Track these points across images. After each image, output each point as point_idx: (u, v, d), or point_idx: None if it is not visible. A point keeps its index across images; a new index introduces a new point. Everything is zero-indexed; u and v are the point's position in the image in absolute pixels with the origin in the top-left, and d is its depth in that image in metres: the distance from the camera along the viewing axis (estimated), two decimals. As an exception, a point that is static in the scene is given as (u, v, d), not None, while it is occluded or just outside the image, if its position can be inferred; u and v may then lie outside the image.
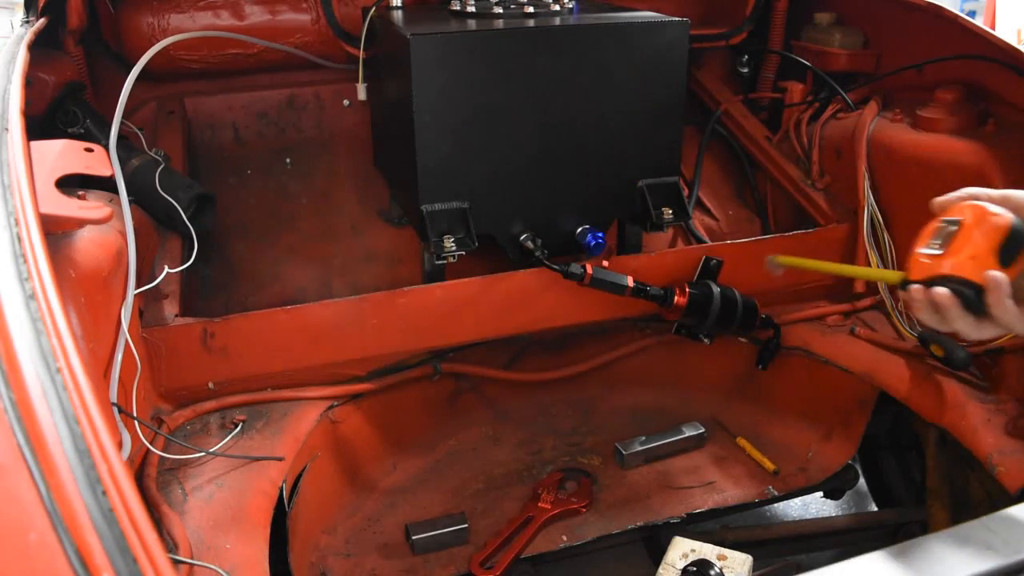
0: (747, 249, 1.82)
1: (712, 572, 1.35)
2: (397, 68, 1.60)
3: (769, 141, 2.16)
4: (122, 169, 1.47)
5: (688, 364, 1.97)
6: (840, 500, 2.08)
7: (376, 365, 1.67)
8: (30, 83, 1.50)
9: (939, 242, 0.92)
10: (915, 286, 0.92)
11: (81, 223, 1.15)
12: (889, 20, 2.04)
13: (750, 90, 2.34)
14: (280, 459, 1.40)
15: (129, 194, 1.42)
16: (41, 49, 1.62)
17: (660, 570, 1.39)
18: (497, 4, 1.75)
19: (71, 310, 1.08)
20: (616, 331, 1.94)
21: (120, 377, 1.25)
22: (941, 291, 0.89)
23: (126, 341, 1.29)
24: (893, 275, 1.01)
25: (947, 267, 0.90)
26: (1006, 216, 0.88)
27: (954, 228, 0.91)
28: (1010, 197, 0.91)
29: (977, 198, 0.93)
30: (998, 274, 0.86)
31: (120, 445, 1.20)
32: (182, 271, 1.59)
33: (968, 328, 0.90)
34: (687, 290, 1.71)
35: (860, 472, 1.95)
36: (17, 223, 0.86)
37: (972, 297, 0.88)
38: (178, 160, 1.83)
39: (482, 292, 1.66)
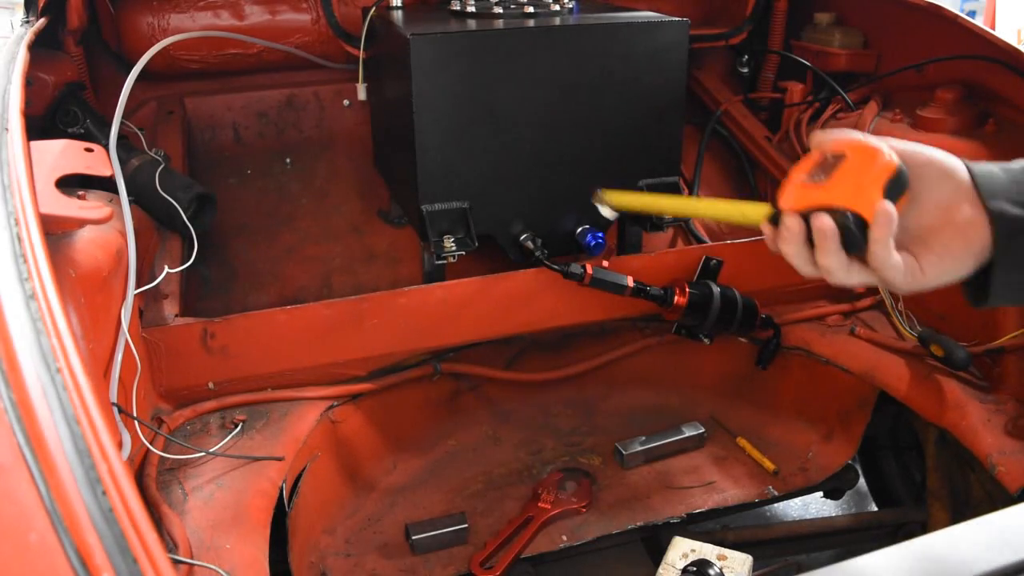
0: (747, 249, 1.82)
1: (712, 572, 1.35)
2: (397, 68, 1.60)
3: (769, 141, 2.16)
4: (122, 169, 1.47)
5: (688, 364, 1.97)
6: (840, 500, 2.08)
7: (376, 365, 1.67)
8: (30, 83, 1.50)
9: (820, 174, 0.84)
10: (791, 216, 0.84)
11: (81, 223, 1.15)
12: (889, 20, 2.04)
13: (750, 90, 2.34)
14: (280, 459, 1.40)
15: (129, 194, 1.42)
16: (41, 49, 1.62)
17: (660, 570, 1.39)
18: (497, 4, 1.75)
19: (71, 310, 1.08)
20: (616, 331, 1.94)
21: (120, 377, 1.25)
22: (824, 219, 0.81)
23: (126, 341, 1.29)
24: (758, 209, 0.90)
25: (831, 197, 0.82)
26: (894, 157, 0.83)
27: (838, 162, 0.84)
28: (892, 143, 0.86)
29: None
30: (889, 206, 0.80)
31: (120, 445, 1.20)
32: (182, 271, 1.59)
33: (838, 267, 0.83)
34: (687, 290, 1.71)
35: (860, 472, 1.95)
36: (17, 223, 0.86)
37: (855, 231, 0.81)
38: (178, 160, 1.84)
39: (482, 292, 1.66)
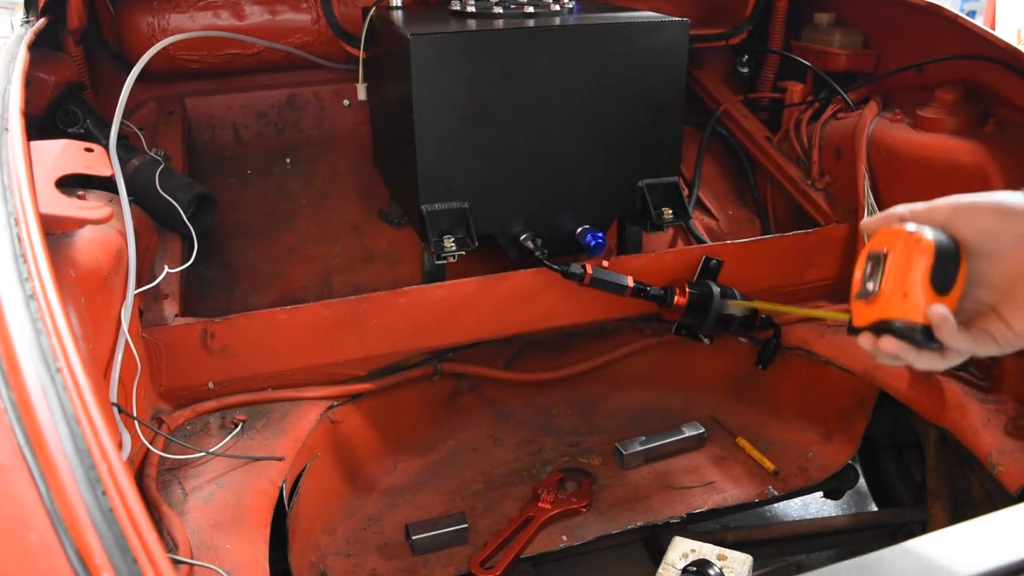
0: (747, 249, 1.82)
1: (712, 572, 1.35)
2: (397, 68, 1.60)
3: (769, 141, 2.16)
4: (122, 169, 1.47)
5: (688, 364, 1.97)
6: (840, 500, 2.08)
7: (376, 365, 1.67)
8: (30, 83, 1.50)
9: (872, 280, 0.84)
10: (864, 334, 0.85)
11: (81, 223, 1.15)
12: (889, 20, 2.04)
13: (750, 90, 2.34)
14: (280, 459, 1.40)
15: (129, 194, 1.42)
16: (41, 49, 1.62)
17: (660, 570, 1.39)
18: (497, 4, 1.75)
19: (71, 310, 1.08)
20: (616, 331, 1.94)
21: (120, 377, 1.25)
22: (887, 342, 0.82)
23: (126, 341, 1.29)
24: (840, 316, 0.93)
25: (885, 311, 0.82)
26: (927, 238, 0.79)
27: (882, 260, 0.83)
28: (936, 207, 0.82)
29: (902, 217, 0.84)
30: (940, 309, 0.78)
31: (120, 445, 1.20)
32: (182, 271, 1.59)
33: (932, 363, 0.83)
34: (687, 290, 1.71)
35: (860, 472, 1.95)
36: (17, 223, 0.86)
37: (921, 338, 0.80)
38: (178, 160, 1.84)
39: (482, 292, 1.66)
